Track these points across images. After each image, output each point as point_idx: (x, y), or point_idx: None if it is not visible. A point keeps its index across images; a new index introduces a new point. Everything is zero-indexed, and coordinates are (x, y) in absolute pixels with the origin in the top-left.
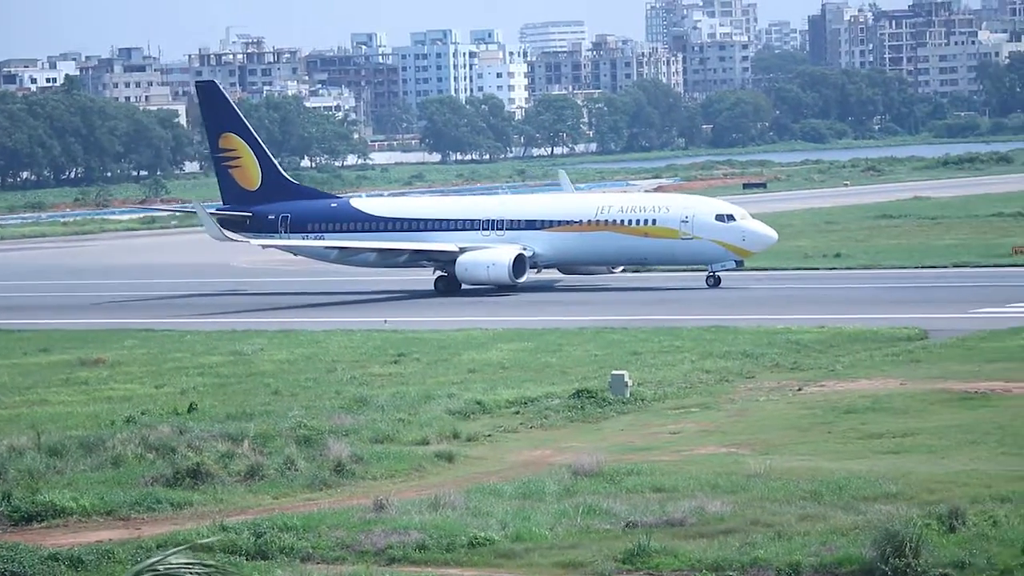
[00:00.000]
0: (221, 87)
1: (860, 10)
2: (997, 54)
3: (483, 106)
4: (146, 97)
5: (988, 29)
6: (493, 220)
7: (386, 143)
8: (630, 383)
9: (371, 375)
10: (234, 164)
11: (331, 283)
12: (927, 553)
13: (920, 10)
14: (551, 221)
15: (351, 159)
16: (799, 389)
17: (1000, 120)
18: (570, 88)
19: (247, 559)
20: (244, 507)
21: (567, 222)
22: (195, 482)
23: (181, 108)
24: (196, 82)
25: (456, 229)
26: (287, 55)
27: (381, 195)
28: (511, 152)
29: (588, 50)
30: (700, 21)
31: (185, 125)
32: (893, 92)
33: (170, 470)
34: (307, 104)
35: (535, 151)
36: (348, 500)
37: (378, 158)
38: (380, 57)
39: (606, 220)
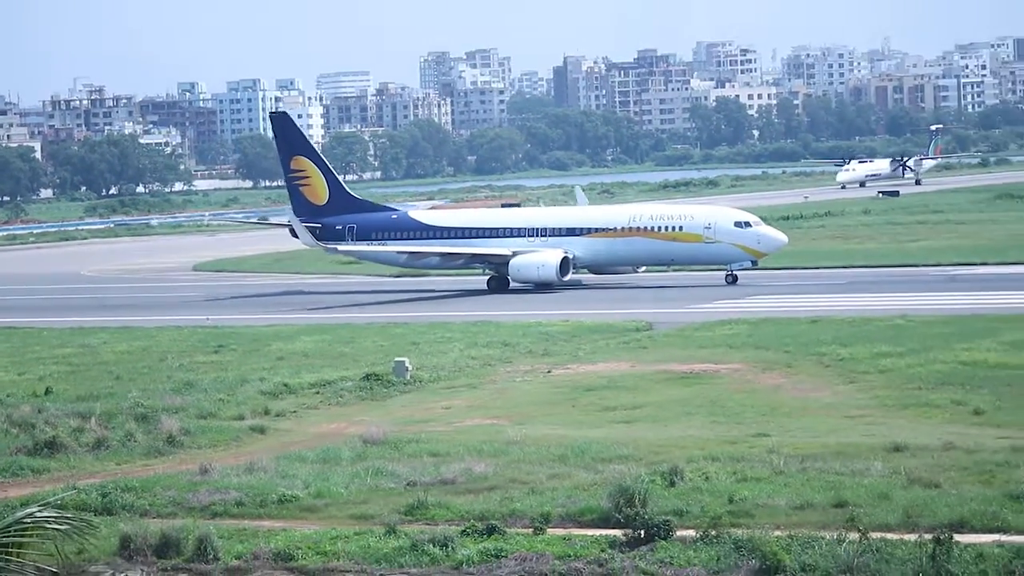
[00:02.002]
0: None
1: (595, 62)
2: (706, 98)
3: None
4: (8, 136)
5: (699, 78)
6: (537, 228)
7: (207, 172)
8: (410, 368)
9: (196, 363)
10: (304, 183)
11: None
12: (652, 504)
13: (643, 62)
14: (589, 228)
15: (178, 186)
16: (549, 371)
17: (709, 151)
18: (359, 126)
19: (95, 514)
20: (92, 472)
21: (603, 229)
22: (52, 452)
23: (37, 145)
24: (270, 113)
25: (504, 236)
26: (124, 100)
27: (437, 207)
28: None
29: (373, 95)
30: (464, 71)
31: (40, 159)
32: (623, 129)
33: (31, 442)
34: (141, 141)
35: None
36: (178, 466)
37: (200, 185)
38: (201, 101)
39: (638, 227)
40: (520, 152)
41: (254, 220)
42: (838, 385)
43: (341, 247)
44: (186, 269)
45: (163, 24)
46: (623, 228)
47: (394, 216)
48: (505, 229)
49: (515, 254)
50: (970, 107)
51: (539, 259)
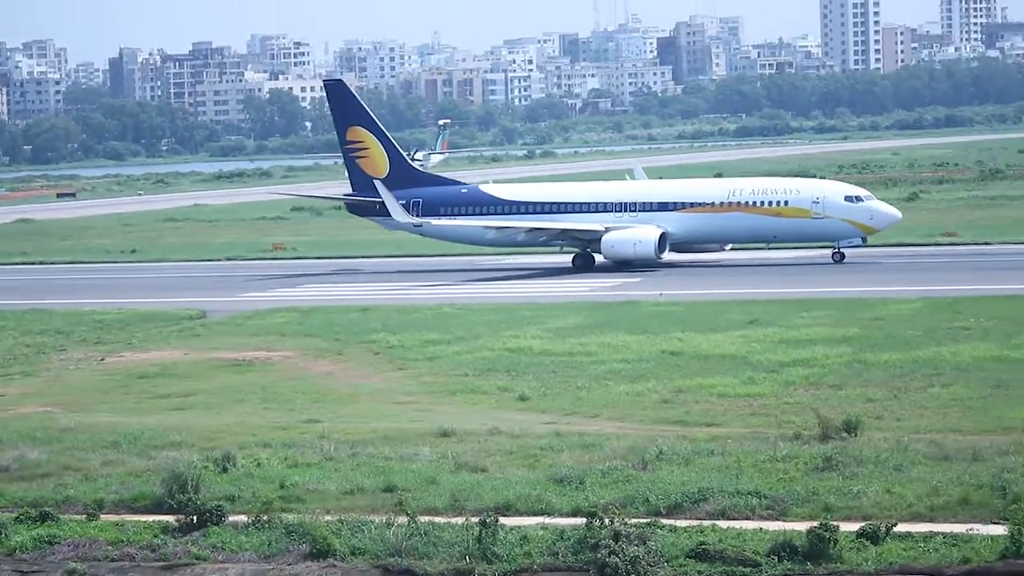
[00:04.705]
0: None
1: (151, 53)
2: (260, 90)
3: None
4: None
5: (253, 70)
6: (626, 203)
7: None
8: None
9: None
10: (362, 155)
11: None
12: (205, 489)
13: (198, 54)
14: (683, 203)
15: None
16: (102, 359)
17: (263, 143)
18: None
19: None
20: None
21: (699, 204)
22: None
23: None
24: (324, 80)
25: (591, 211)
26: None
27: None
28: None
29: None
30: (21, 62)
31: None
32: (178, 120)
33: None
34: None
35: None
36: None
37: None
38: None
39: (738, 202)
40: (76, 142)
41: (309, 195)
42: (388, 372)
43: (435, 222)
44: None
45: None
46: (722, 203)
47: (464, 191)
48: (592, 204)
49: (607, 230)
50: (517, 100)
51: (635, 235)
